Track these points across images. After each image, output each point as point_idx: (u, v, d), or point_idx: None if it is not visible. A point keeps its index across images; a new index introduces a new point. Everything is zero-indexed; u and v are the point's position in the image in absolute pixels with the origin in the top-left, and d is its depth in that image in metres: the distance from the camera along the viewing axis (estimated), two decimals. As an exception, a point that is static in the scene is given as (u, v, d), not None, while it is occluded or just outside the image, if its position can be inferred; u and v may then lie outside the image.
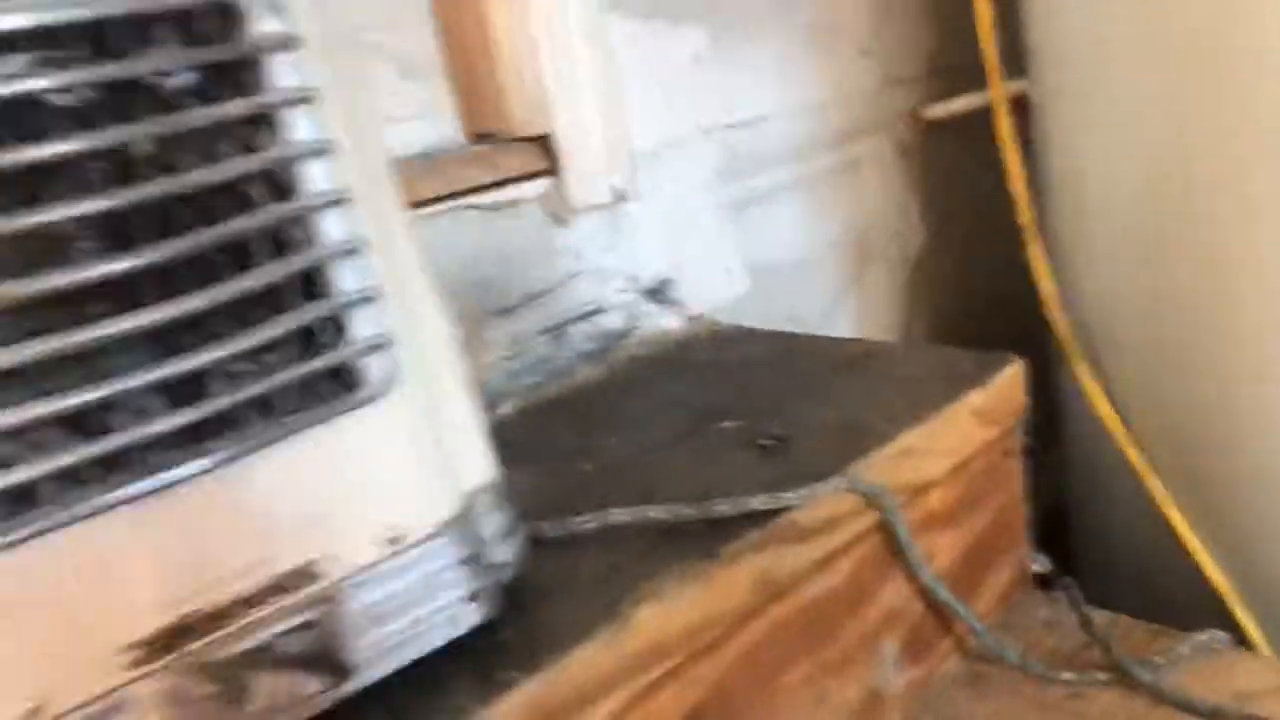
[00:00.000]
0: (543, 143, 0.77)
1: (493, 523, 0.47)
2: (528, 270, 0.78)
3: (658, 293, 0.86)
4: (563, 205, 0.79)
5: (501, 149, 0.76)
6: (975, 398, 0.63)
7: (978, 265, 1.11)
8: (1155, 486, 0.84)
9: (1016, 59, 0.91)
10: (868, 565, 0.58)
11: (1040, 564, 0.72)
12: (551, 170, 0.77)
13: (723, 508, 0.52)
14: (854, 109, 0.99)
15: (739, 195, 0.91)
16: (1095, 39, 0.84)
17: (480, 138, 0.77)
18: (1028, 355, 0.69)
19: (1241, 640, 0.78)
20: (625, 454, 0.63)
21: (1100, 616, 0.65)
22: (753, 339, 0.83)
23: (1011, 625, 0.69)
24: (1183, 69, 0.78)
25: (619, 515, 0.53)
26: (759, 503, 0.52)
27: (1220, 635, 0.64)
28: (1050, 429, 0.92)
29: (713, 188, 0.89)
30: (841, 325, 1.02)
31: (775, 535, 0.52)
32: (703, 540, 0.51)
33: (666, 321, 0.87)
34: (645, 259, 0.85)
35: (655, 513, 0.53)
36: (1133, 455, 0.85)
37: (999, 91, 0.89)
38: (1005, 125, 0.90)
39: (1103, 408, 0.86)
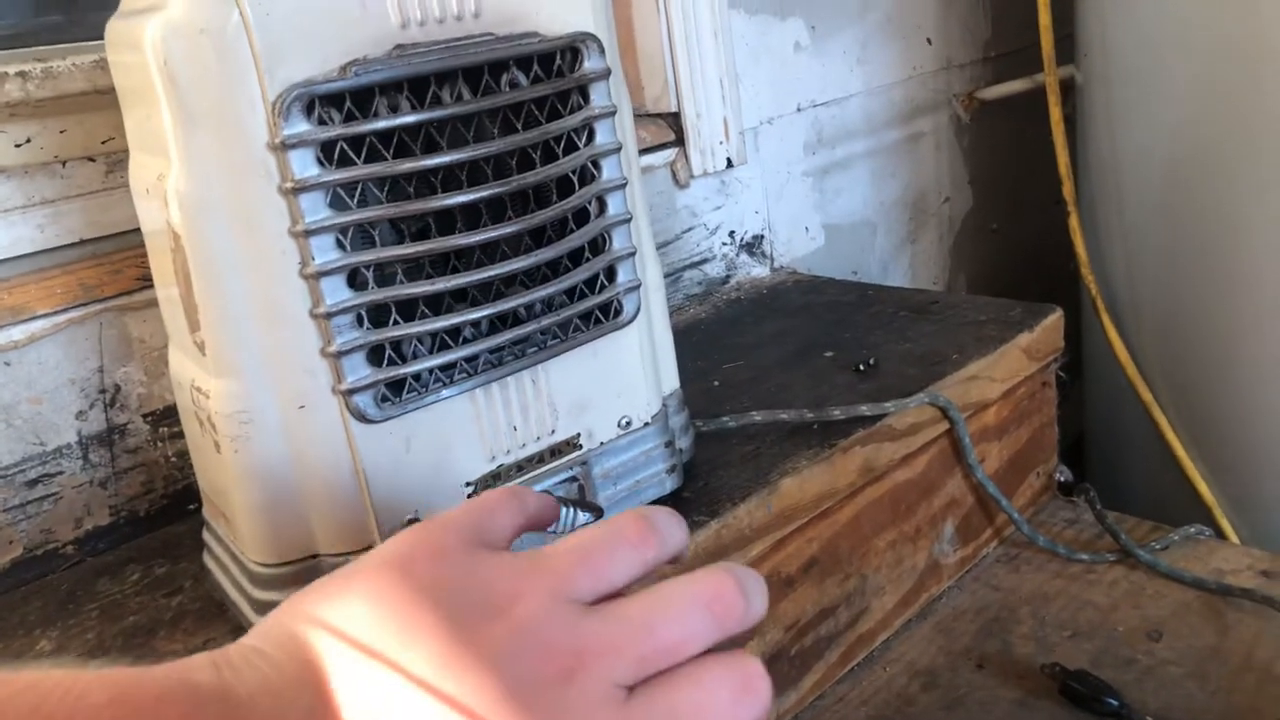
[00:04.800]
0: (672, 119, 0.93)
1: (678, 419, 0.64)
2: (655, 224, 0.95)
3: (752, 247, 1.03)
4: (685, 170, 0.95)
5: (640, 123, 0.92)
6: (1024, 338, 0.81)
7: (1015, 229, 1.28)
8: (1159, 417, 1.01)
9: (1062, 48, 1.05)
10: (938, 463, 0.76)
11: (1064, 474, 0.90)
12: (678, 141, 0.94)
13: (836, 413, 0.70)
14: (919, 90, 1.15)
15: (821, 164, 1.08)
16: (1140, 32, 0.98)
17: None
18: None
19: (1220, 534, 0.96)
20: (746, 375, 0.81)
21: (1110, 515, 0.83)
22: (832, 287, 1.00)
23: (1040, 521, 0.87)
24: (1211, 63, 0.92)
25: (756, 416, 0.71)
26: (865, 410, 0.70)
27: (1204, 529, 0.82)
28: (1075, 369, 1.09)
29: (801, 158, 1.06)
30: (897, 277, 1.19)
31: (875, 435, 0.70)
32: (822, 435, 0.69)
33: (758, 271, 1.04)
34: (744, 218, 1.02)
35: (785, 415, 0.70)
36: (1142, 392, 1.02)
37: (1053, 76, 1.04)
38: (1056, 106, 1.05)
39: (1121, 353, 1.03)
